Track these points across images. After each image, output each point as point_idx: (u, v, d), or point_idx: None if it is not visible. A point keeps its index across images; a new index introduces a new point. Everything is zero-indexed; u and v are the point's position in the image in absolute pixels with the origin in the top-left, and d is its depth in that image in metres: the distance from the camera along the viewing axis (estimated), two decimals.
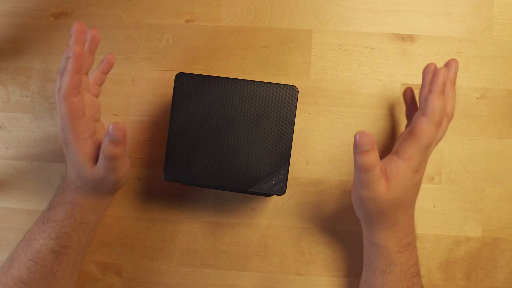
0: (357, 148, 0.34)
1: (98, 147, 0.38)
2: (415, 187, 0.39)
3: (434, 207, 0.47)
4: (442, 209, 0.47)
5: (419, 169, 0.38)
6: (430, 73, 0.39)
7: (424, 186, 0.47)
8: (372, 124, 0.47)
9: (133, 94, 0.48)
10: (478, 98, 0.47)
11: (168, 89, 0.47)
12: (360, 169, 0.35)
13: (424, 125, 0.36)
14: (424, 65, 0.47)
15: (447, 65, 0.40)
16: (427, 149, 0.37)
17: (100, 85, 0.43)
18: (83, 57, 0.36)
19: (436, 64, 0.47)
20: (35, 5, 0.48)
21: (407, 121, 0.45)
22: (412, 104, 0.44)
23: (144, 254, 0.48)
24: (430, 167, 0.47)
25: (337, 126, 0.47)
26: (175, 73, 0.47)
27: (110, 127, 0.35)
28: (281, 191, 0.39)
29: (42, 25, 0.48)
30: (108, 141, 0.36)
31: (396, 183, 0.37)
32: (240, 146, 0.39)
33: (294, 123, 0.39)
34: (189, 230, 0.48)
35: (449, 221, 0.47)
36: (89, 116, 0.38)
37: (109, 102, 0.48)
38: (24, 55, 0.48)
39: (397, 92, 0.47)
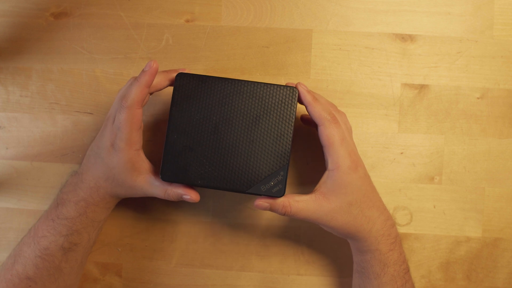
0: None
1: (141, 160, 0.41)
2: (364, 181, 0.40)
3: (434, 207, 0.47)
4: (442, 209, 0.47)
5: (357, 164, 0.39)
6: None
7: (424, 186, 0.47)
8: (372, 124, 0.47)
9: None
10: (478, 98, 0.47)
11: (168, 89, 0.47)
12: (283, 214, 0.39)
13: (325, 132, 0.38)
14: (424, 65, 0.47)
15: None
16: (345, 142, 0.39)
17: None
18: (156, 74, 0.39)
19: (437, 63, 0.47)
20: (35, 5, 0.48)
21: None
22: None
23: (144, 254, 0.48)
24: (430, 167, 0.47)
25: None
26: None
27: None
28: (280, 192, 0.39)
29: (42, 25, 0.48)
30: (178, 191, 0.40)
31: (337, 192, 0.39)
32: (239, 147, 0.39)
33: (293, 124, 0.39)
34: (189, 230, 0.48)
35: (449, 221, 0.47)
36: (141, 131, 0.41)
37: (109, 102, 0.48)
38: (23, 55, 0.48)
39: (397, 92, 0.47)
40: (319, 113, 0.39)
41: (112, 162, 0.40)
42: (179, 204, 0.48)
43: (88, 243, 0.42)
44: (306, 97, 0.39)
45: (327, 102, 0.42)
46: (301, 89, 0.39)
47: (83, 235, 0.41)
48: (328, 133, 0.38)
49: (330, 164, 0.39)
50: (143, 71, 0.38)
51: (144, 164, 0.41)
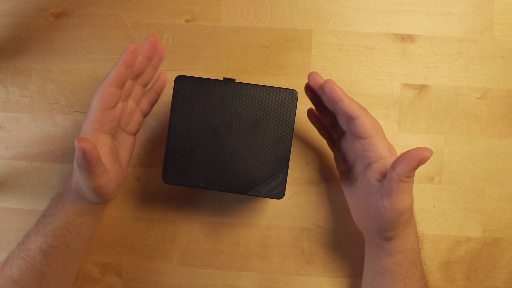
0: (416, 159, 0.33)
1: (99, 144, 0.38)
2: None
3: (434, 207, 0.47)
4: (442, 209, 0.47)
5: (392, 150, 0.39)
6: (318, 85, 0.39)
7: (424, 186, 0.47)
8: None
9: None
10: (478, 98, 0.47)
11: (168, 89, 0.47)
12: (409, 179, 0.34)
13: (367, 121, 0.37)
14: (424, 65, 0.47)
15: (315, 78, 0.39)
16: (383, 132, 0.38)
17: (152, 104, 0.44)
18: (136, 54, 0.37)
19: (437, 64, 0.47)
20: (35, 5, 0.48)
21: (327, 141, 0.44)
22: (321, 122, 0.44)
23: (144, 254, 0.48)
24: (430, 167, 0.47)
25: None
26: (175, 73, 0.47)
27: (76, 139, 0.35)
28: (280, 195, 0.39)
29: (42, 25, 0.48)
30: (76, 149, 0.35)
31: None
32: (239, 149, 0.39)
33: (293, 127, 0.39)
34: (189, 230, 0.48)
35: (449, 221, 0.47)
36: (117, 117, 0.39)
37: None
38: (23, 55, 0.48)
39: (397, 92, 0.47)
40: (356, 106, 0.37)
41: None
42: (179, 204, 0.48)
43: (67, 249, 0.41)
44: (339, 93, 0.37)
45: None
46: (333, 85, 0.37)
47: (59, 238, 0.40)
48: (371, 122, 0.37)
49: (375, 154, 0.37)
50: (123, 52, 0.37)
51: (102, 148, 0.38)
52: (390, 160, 0.36)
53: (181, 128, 0.39)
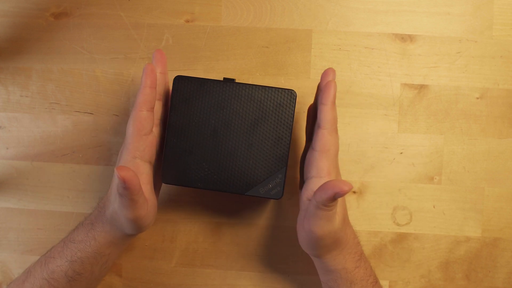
0: (331, 191, 0.33)
1: (140, 173, 0.37)
2: (344, 199, 0.39)
3: (434, 207, 0.47)
4: (442, 209, 0.47)
5: (338, 179, 0.38)
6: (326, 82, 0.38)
7: (424, 186, 0.47)
8: (372, 124, 0.47)
9: (133, 94, 0.48)
10: (478, 98, 0.47)
11: None
12: (327, 208, 0.34)
13: (327, 137, 0.37)
14: (424, 65, 0.47)
15: (327, 74, 0.39)
16: (336, 157, 0.38)
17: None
18: (154, 73, 0.37)
19: (437, 64, 0.47)
20: (35, 5, 0.48)
21: (306, 137, 0.44)
22: (314, 120, 0.43)
23: (144, 254, 0.48)
24: (430, 167, 0.47)
25: (337, 126, 0.47)
26: (175, 73, 0.47)
27: (116, 168, 0.34)
28: (278, 194, 0.39)
29: (42, 25, 0.48)
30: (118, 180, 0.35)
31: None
32: (238, 149, 0.39)
33: (292, 127, 0.39)
34: (189, 230, 0.48)
35: (449, 221, 0.47)
36: (154, 144, 0.38)
37: (109, 102, 0.48)
38: (24, 55, 0.48)
39: (397, 92, 0.47)
40: (331, 117, 0.37)
41: (114, 173, 0.38)
42: (179, 204, 0.48)
43: (92, 276, 0.40)
44: (330, 95, 0.37)
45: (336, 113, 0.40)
46: (331, 87, 0.36)
47: (86, 266, 0.39)
48: (329, 140, 0.37)
49: (316, 171, 0.37)
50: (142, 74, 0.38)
51: (143, 177, 0.37)
52: (323, 181, 0.36)
53: (179, 129, 0.39)
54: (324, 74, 0.38)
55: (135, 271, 0.48)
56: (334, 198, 0.33)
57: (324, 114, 0.37)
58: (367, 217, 0.47)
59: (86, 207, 0.48)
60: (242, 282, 0.47)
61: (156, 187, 0.41)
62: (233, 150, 0.39)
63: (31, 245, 0.48)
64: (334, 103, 0.37)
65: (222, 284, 0.48)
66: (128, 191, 0.34)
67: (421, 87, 0.47)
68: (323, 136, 0.37)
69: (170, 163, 0.39)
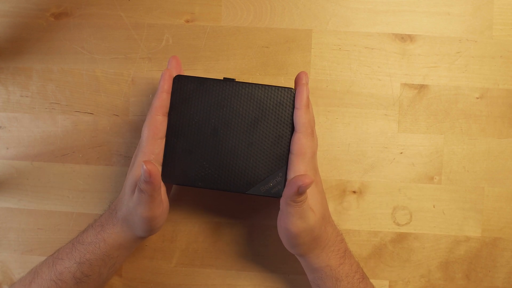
0: (295, 185, 0.34)
1: None
2: (323, 195, 0.40)
3: (434, 207, 0.47)
4: (442, 209, 0.47)
5: (317, 180, 0.39)
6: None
7: (424, 186, 0.47)
8: (372, 124, 0.47)
9: (133, 94, 0.48)
10: (477, 98, 0.47)
11: None
12: (295, 203, 0.36)
13: (303, 140, 0.38)
14: (424, 65, 0.47)
15: (300, 78, 0.39)
16: (313, 159, 0.39)
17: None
18: (172, 79, 0.39)
19: (437, 64, 0.47)
20: (36, 5, 0.48)
21: None
22: None
23: (144, 254, 0.48)
24: (430, 167, 0.47)
25: (337, 126, 0.47)
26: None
27: (142, 164, 0.35)
28: (279, 193, 0.39)
29: (42, 25, 0.48)
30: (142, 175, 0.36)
31: (313, 201, 0.38)
32: (238, 148, 0.39)
33: (292, 125, 0.39)
34: (189, 230, 0.48)
35: (449, 221, 0.47)
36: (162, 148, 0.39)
37: (109, 102, 0.48)
38: (24, 55, 0.48)
39: (397, 92, 0.47)
40: (305, 121, 0.38)
41: (128, 175, 0.39)
42: (179, 204, 0.48)
43: (100, 278, 0.40)
44: (303, 99, 0.38)
45: (313, 115, 0.41)
46: (303, 90, 0.38)
47: (94, 268, 0.39)
48: (304, 143, 0.38)
49: (293, 174, 0.38)
50: (160, 79, 0.39)
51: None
52: None
53: (180, 128, 0.39)
54: (297, 78, 0.39)
55: (135, 271, 0.48)
56: (298, 192, 0.34)
57: (299, 118, 0.38)
58: (367, 217, 0.47)
59: (86, 207, 0.48)
60: (242, 282, 0.48)
61: (169, 192, 0.42)
62: (233, 149, 0.39)
63: (31, 245, 0.48)
64: (307, 106, 0.38)
65: (222, 284, 0.48)
66: (150, 186, 0.35)
67: (421, 87, 0.47)
68: (298, 139, 0.38)
69: (170, 163, 0.39)
